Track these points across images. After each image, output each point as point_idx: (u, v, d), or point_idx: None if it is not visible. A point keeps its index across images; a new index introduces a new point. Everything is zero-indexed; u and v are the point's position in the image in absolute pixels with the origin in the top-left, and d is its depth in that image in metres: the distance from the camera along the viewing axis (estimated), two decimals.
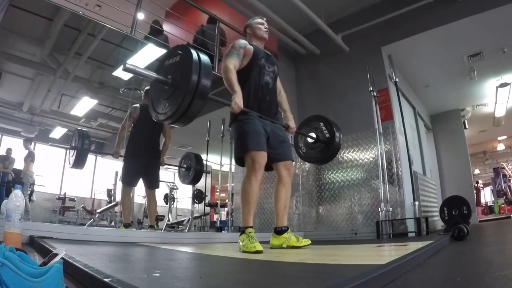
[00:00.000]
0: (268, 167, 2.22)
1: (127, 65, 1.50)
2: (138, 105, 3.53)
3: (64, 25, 3.96)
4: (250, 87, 2.16)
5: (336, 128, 2.52)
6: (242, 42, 2.24)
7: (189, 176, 4.17)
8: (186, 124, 1.63)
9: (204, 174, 4.39)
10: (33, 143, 5.51)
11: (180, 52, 1.63)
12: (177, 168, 4.41)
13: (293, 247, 2.05)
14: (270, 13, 3.77)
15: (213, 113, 4.43)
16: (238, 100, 1.95)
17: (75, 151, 3.33)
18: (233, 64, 2.12)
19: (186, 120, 1.59)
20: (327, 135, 2.53)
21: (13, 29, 3.96)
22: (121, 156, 3.47)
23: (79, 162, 3.33)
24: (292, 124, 2.37)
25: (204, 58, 1.56)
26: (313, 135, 2.60)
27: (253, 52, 2.22)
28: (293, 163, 2.37)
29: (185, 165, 4.25)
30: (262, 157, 2.03)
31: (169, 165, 4.51)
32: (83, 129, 3.40)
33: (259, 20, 2.40)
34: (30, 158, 5.31)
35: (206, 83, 1.52)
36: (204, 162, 4.75)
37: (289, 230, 2.12)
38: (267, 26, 2.41)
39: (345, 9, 4.48)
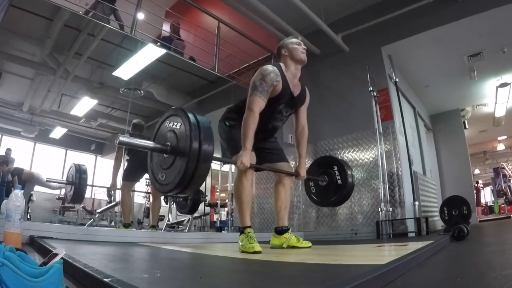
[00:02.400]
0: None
1: (120, 139, 1.42)
2: (127, 136, 3.54)
3: (64, 25, 3.95)
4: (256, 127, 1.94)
5: (347, 168, 2.44)
6: (275, 77, 1.94)
7: (187, 205, 4.21)
8: (192, 193, 1.58)
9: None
10: (9, 164, 5.31)
11: (176, 116, 1.55)
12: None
13: (293, 247, 2.05)
14: (270, 13, 3.76)
15: (213, 113, 4.43)
16: (245, 160, 1.82)
17: (73, 186, 3.30)
18: (259, 107, 1.89)
19: (191, 189, 1.50)
20: (339, 181, 2.41)
21: (13, 29, 3.96)
22: (118, 189, 3.49)
23: (77, 198, 3.32)
24: (303, 172, 2.20)
25: (202, 120, 1.48)
26: (324, 177, 2.49)
27: (277, 94, 1.97)
28: (291, 164, 2.36)
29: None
30: (250, 156, 2.03)
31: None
32: (79, 164, 3.38)
33: (295, 40, 2.13)
34: (15, 175, 5.13)
35: (209, 148, 1.44)
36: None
37: (289, 230, 2.12)
38: (305, 47, 2.13)
39: (345, 9, 4.48)
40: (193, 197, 4.13)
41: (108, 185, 3.72)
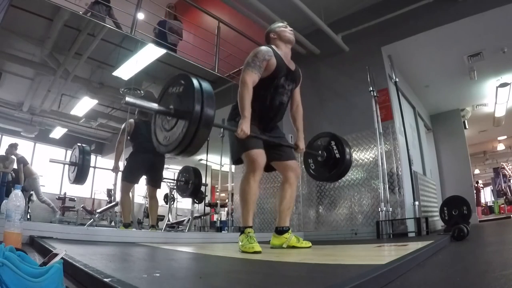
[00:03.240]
0: (268, 167, 2.21)
1: (127, 99, 1.47)
2: (132, 120, 3.56)
3: (64, 25, 3.95)
4: (262, 105, 2.04)
5: (345, 144, 2.46)
6: (267, 52, 2.04)
7: (188, 189, 4.22)
8: (192, 155, 1.60)
9: (204, 174, 4.42)
10: (18, 147, 5.40)
11: (180, 81, 1.60)
12: (175, 180, 4.48)
13: (293, 247, 2.05)
14: (270, 13, 3.76)
15: None
16: (245, 127, 1.86)
17: (76, 167, 3.33)
18: (252, 79, 1.96)
19: (192, 151, 1.55)
20: (337, 154, 2.45)
21: (13, 29, 3.96)
22: (121, 171, 3.49)
23: (80, 179, 3.35)
24: (302, 145, 2.27)
25: (206, 85, 1.54)
26: (323, 153, 2.52)
27: (274, 68, 2.05)
28: (298, 163, 2.37)
29: (183, 179, 4.28)
30: (261, 156, 2.02)
31: (167, 179, 4.54)
32: (83, 145, 3.40)
33: (282, 24, 2.26)
34: (21, 163, 5.22)
35: (210, 112, 1.50)
36: (204, 161, 4.73)
37: (290, 230, 2.12)
38: (291, 29, 2.25)
39: (345, 9, 4.48)
40: (194, 181, 4.16)
41: (110, 187, 3.73)
